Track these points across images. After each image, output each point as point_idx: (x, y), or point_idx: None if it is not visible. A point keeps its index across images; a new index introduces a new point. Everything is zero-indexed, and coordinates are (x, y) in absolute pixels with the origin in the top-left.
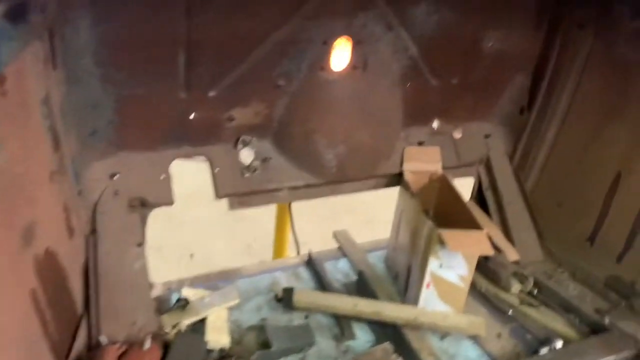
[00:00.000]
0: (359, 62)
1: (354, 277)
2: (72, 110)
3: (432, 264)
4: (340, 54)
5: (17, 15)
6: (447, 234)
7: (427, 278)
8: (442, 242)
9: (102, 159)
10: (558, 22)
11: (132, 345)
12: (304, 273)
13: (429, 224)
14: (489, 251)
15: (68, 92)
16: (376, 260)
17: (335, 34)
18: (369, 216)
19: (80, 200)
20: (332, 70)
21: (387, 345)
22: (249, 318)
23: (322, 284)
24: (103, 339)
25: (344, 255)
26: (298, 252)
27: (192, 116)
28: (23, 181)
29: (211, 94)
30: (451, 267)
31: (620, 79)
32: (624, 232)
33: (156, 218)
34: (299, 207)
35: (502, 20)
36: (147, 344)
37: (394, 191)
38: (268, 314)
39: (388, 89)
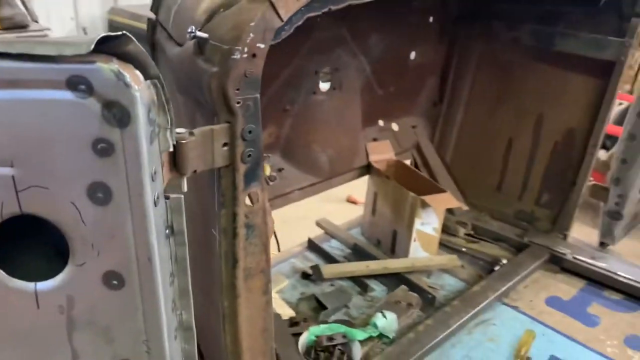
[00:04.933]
0: (337, 84)
1: (347, 250)
2: None
3: (417, 223)
4: (325, 80)
5: None
6: (428, 198)
7: (414, 234)
8: (423, 206)
9: None
10: (455, 37)
11: None
12: (310, 255)
13: (411, 195)
14: (457, 204)
15: None
16: (356, 235)
17: (322, 65)
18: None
19: None
20: (320, 92)
21: (403, 287)
22: (291, 295)
23: (328, 259)
24: None
25: (332, 236)
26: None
27: None
28: None
29: None
30: (428, 222)
31: (504, 74)
32: (519, 179)
33: None
34: None
35: (419, 39)
36: None
37: None
38: (303, 289)
39: (354, 102)
